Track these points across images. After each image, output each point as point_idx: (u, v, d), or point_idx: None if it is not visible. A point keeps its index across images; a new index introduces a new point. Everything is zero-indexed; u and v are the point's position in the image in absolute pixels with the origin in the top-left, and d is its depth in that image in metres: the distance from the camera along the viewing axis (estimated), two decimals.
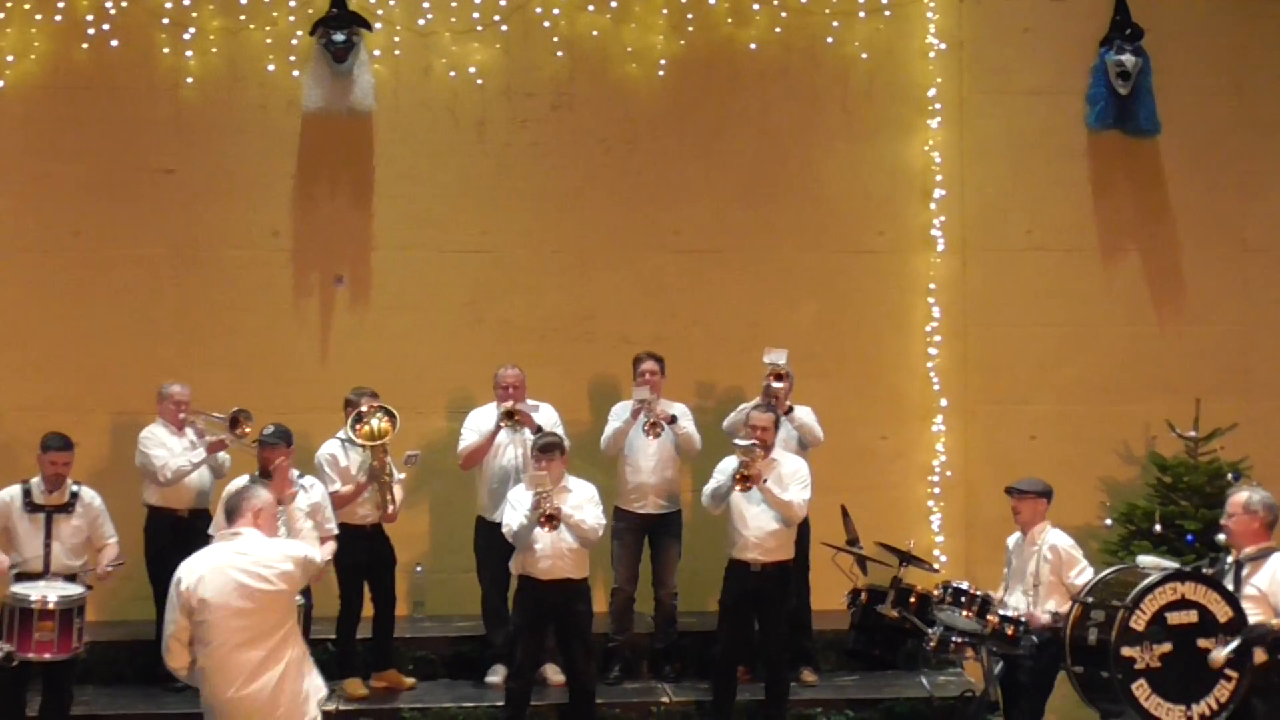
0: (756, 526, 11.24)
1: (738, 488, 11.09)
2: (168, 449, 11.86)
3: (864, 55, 13.64)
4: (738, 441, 11.26)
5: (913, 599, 10.95)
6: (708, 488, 11.45)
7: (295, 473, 11.17)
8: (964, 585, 10.74)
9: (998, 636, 10.52)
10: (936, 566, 11.83)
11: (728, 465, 11.35)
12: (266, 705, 8.13)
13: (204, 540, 11.02)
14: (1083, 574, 10.61)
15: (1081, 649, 9.94)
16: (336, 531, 11.15)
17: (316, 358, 13.31)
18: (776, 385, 11.93)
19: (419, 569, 13.00)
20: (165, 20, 13.11)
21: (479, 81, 13.39)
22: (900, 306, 13.75)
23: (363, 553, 11.55)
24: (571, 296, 13.47)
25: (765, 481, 11.13)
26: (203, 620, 8.10)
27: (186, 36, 13.11)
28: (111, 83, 13.09)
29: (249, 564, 8.19)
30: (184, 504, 11.90)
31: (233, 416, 11.75)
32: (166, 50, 13.13)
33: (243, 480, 9.11)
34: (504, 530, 11.14)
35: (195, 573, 8.17)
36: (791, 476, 11.33)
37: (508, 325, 13.36)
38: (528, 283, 13.43)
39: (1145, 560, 10.40)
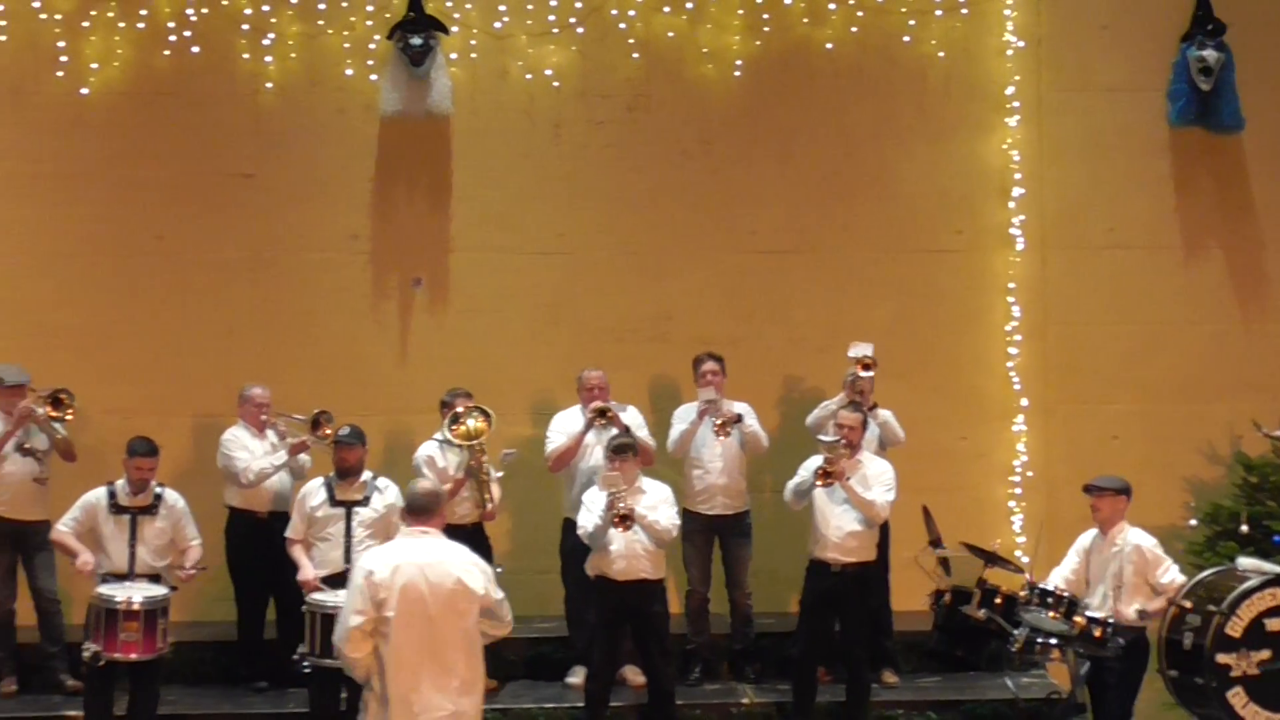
0: (837, 526, 11.22)
1: (819, 483, 11.07)
2: (249, 451, 11.95)
3: (940, 54, 13.58)
4: (822, 437, 11.27)
5: (998, 600, 10.88)
6: (791, 483, 11.43)
7: (369, 474, 11.24)
8: (1050, 586, 10.67)
9: (1085, 638, 10.44)
10: (1023, 568, 11.68)
11: (812, 463, 11.33)
12: (445, 701, 8.10)
13: (282, 542, 11.26)
14: (1168, 573, 10.54)
15: (1176, 653, 9.88)
16: None
17: (395, 360, 13.37)
18: (865, 375, 11.91)
19: (499, 569, 12.87)
20: (245, 26, 13.21)
21: (555, 84, 13.41)
22: (979, 306, 13.67)
23: None
24: (648, 298, 13.47)
25: (849, 479, 11.09)
26: (390, 614, 8.04)
27: (266, 42, 13.21)
28: (192, 88, 13.20)
29: (438, 562, 8.19)
30: (263, 506, 11.98)
31: (314, 418, 11.83)
32: (246, 56, 13.23)
33: (427, 481, 9.11)
34: (579, 532, 11.17)
35: (388, 565, 8.09)
36: (876, 478, 11.31)
37: (584, 327, 13.37)
38: (604, 284, 13.44)
39: (1245, 563, 10.29)
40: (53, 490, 11.82)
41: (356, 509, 11.18)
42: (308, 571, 11.06)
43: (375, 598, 8.05)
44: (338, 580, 10.72)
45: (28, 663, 11.93)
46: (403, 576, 8.07)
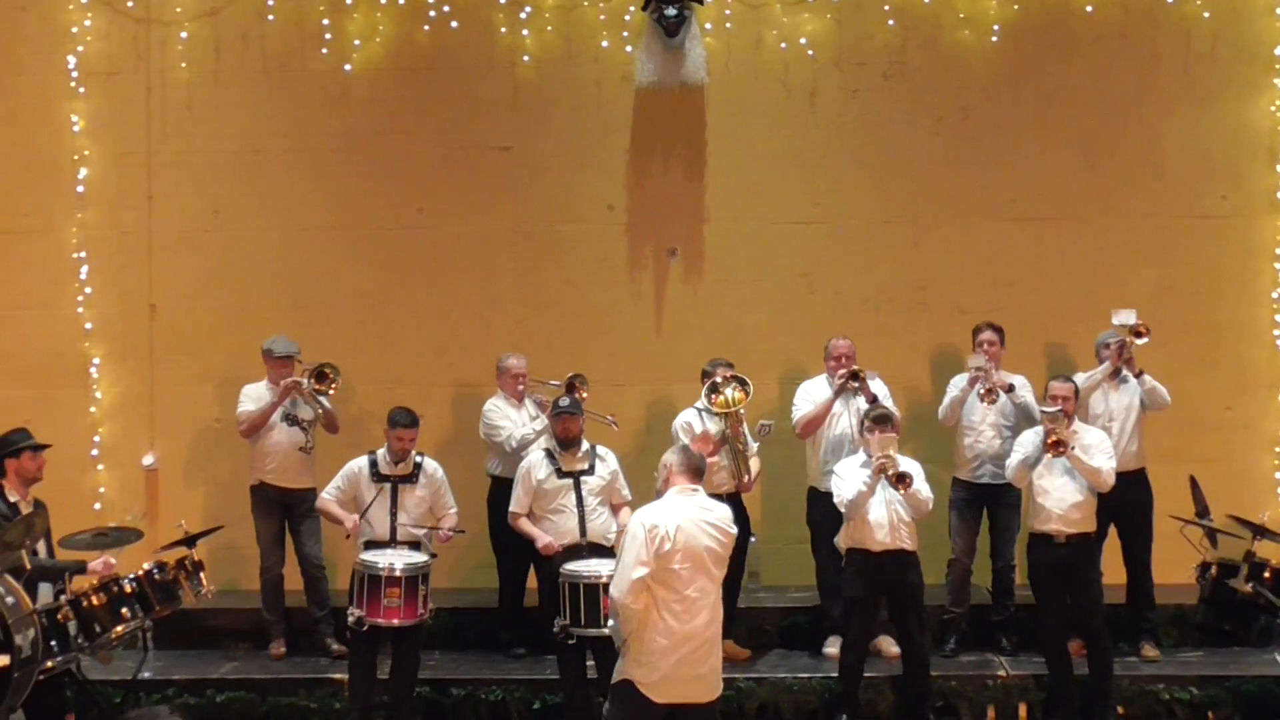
0: (1060, 498, 11.06)
1: (1049, 454, 10.94)
2: (511, 420, 12.12)
3: (1206, 14, 13.26)
4: (1044, 409, 11.11)
5: (1267, 574, 10.64)
6: (1012, 460, 11.31)
7: (586, 444, 11.33)
8: None
9: None
10: None
11: (1028, 438, 11.25)
12: (707, 648, 8.43)
13: None
14: None
15: None
16: (630, 499, 11.29)
17: (651, 330, 13.48)
18: (1140, 342, 11.70)
19: (753, 539, 13.03)
20: (503, 0, 13.37)
21: (810, 52, 13.37)
22: (1245, 272, 13.35)
23: None
24: (905, 266, 13.39)
25: (1073, 449, 10.92)
26: (671, 568, 8.31)
27: (523, 15, 13.39)
28: (452, 63, 13.44)
29: (714, 519, 8.52)
30: None
31: (568, 382, 11.95)
32: (504, 30, 13.41)
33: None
34: (835, 500, 11.13)
35: (672, 521, 8.36)
36: (1096, 446, 11.14)
37: (841, 296, 13.34)
38: (861, 253, 13.39)
39: None
40: (318, 459, 12.17)
41: (584, 478, 11.25)
42: (544, 538, 11.14)
43: (661, 550, 8.28)
44: (575, 551, 10.91)
45: (296, 626, 12.33)
46: (685, 532, 8.34)
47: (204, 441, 13.39)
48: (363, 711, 10.95)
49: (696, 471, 8.65)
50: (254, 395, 12.22)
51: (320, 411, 12.19)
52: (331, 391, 12.05)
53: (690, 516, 8.42)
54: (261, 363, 12.29)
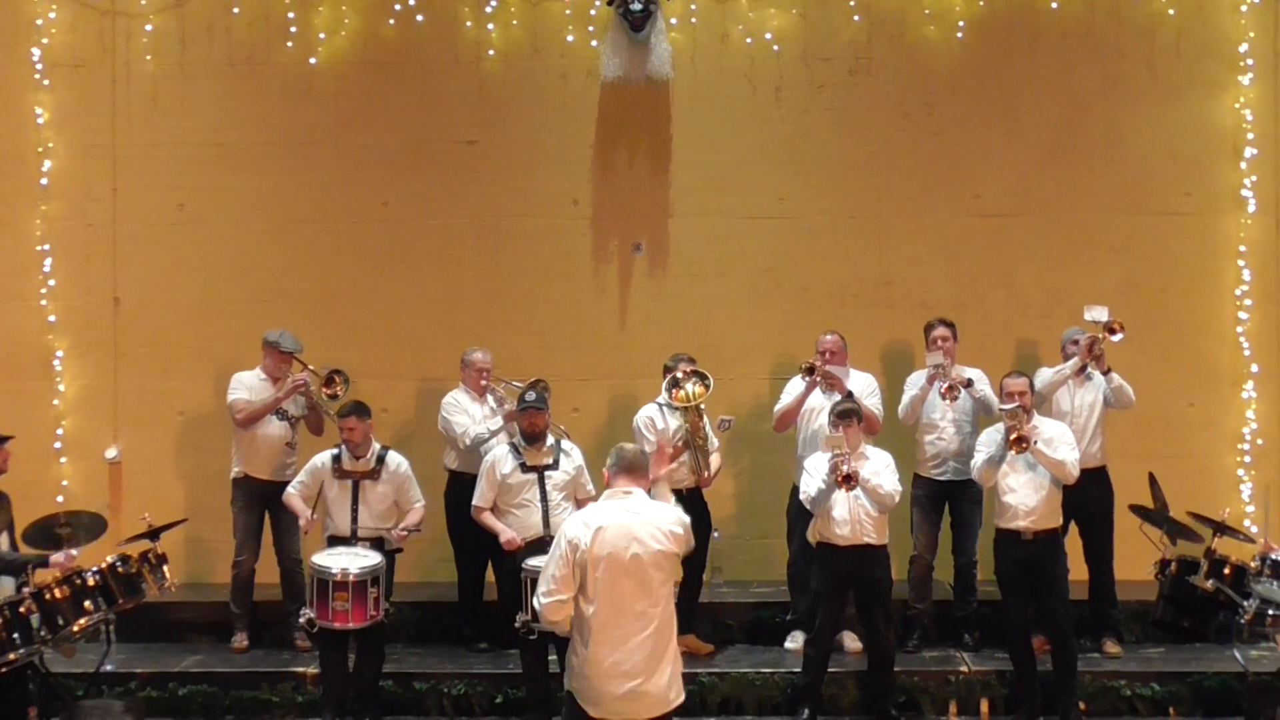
0: (1025, 495, 11.07)
1: (1012, 451, 10.94)
2: (469, 416, 12.12)
3: (1171, 11, 13.29)
4: (1002, 407, 11.13)
5: (1227, 570, 10.67)
6: (977, 460, 11.30)
7: (551, 439, 11.32)
8: None
9: None
10: (1252, 538, 11.43)
11: (989, 437, 11.26)
12: (642, 661, 8.08)
13: None
14: None
15: None
16: (594, 494, 11.20)
17: (615, 324, 13.48)
18: (1115, 339, 11.71)
19: (716, 534, 13.06)
20: None
21: (776, 47, 13.38)
22: (1208, 269, 13.39)
23: None
24: (870, 262, 13.40)
25: (1036, 444, 10.94)
26: (595, 576, 8.05)
27: (489, 9, 13.37)
28: (417, 56, 13.42)
29: (646, 521, 8.18)
30: None
31: (530, 385, 11.91)
32: (469, 24, 13.40)
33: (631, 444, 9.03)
34: (801, 496, 11.17)
35: (591, 527, 8.11)
36: (1059, 439, 11.16)
37: (806, 291, 13.35)
38: (826, 248, 13.40)
39: None
40: (301, 454, 12.15)
41: (549, 473, 11.22)
42: (507, 533, 11.12)
43: (580, 560, 8.05)
44: (538, 546, 10.82)
45: (265, 620, 12.35)
46: (608, 540, 8.07)
47: (168, 434, 13.38)
48: (337, 706, 10.94)
49: (633, 471, 8.36)
50: (247, 383, 12.24)
51: (309, 413, 12.21)
52: (336, 397, 12.02)
53: (618, 521, 8.13)
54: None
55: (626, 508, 8.22)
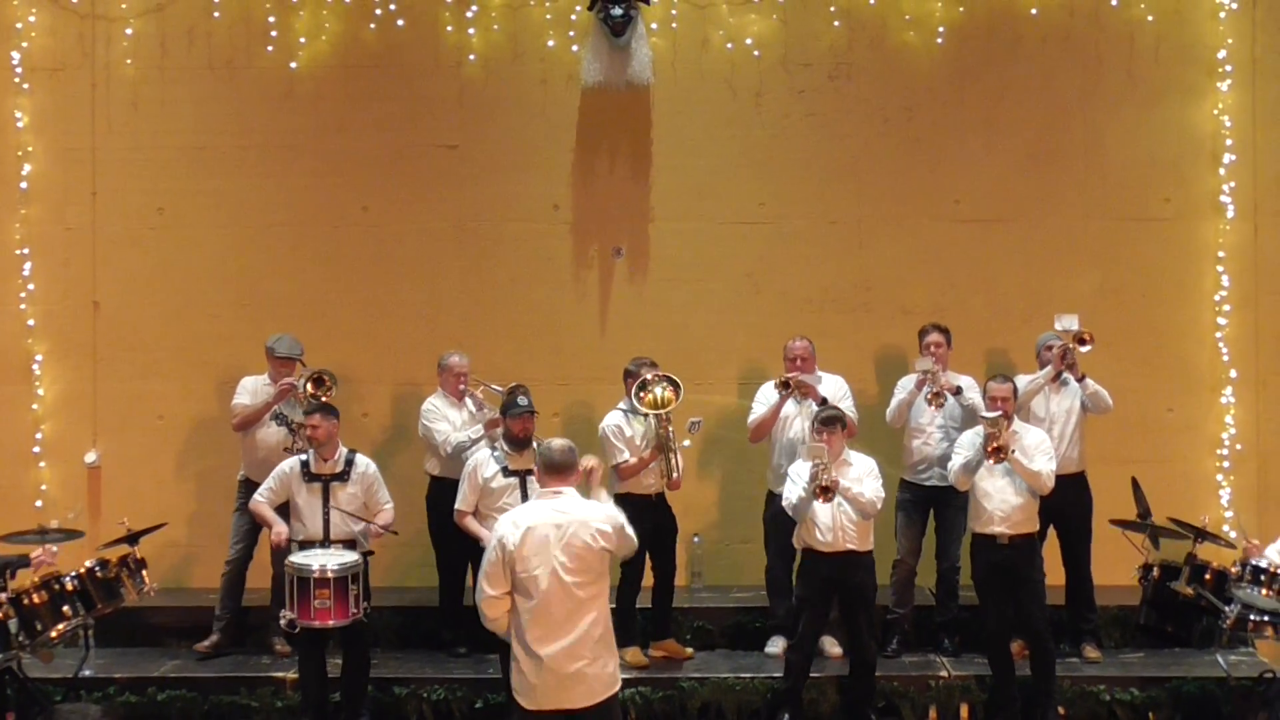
0: (1002, 500, 11.08)
1: (990, 460, 10.94)
2: (449, 422, 12.09)
3: (1150, 17, 13.31)
4: (984, 414, 11.13)
5: (1208, 575, 10.69)
6: (953, 464, 11.33)
7: (535, 442, 11.28)
8: (1264, 563, 10.44)
9: None
10: (1232, 543, 11.44)
11: (968, 440, 11.27)
12: (578, 657, 8.27)
13: None
14: None
15: None
16: None
17: (595, 329, 13.46)
18: (1085, 349, 11.74)
19: (697, 539, 13.09)
20: None
21: (756, 53, 13.38)
22: (1187, 275, 13.41)
23: (646, 522, 11.32)
24: (850, 267, 13.41)
25: (1013, 452, 10.96)
26: (524, 575, 8.24)
27: (470, 14, 13.35)
28: (398, 61, 13.41)
29: (571, 521, 8.34)
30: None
31: (510, 390, 11.87)
32: (450, 28, 13.38)
33: (560, 440, 8.84)
34: (784, 504, 11.15)
35: (519, 528, 8.29)
36: (1036, 448, 11.16)
37: (786, 296, 13.36)
38: (806, 254, 13.40)
39: None
40: None
41: (530, 477, 11.06)
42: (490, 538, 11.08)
43: (510, 560, 8.25)
44: None
45: (250, 624, 12.32)
46: (534, 539, 8.27)
47: (147, 439, 13.32)
48: (316, 710, 10.91)
49: (560, 470, 8.52)
50: (250, 388, 12.22)
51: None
52: (324, 399, 11.96)
53: (544, 520, 8.33)
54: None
55: (555, 507, 8.42)
